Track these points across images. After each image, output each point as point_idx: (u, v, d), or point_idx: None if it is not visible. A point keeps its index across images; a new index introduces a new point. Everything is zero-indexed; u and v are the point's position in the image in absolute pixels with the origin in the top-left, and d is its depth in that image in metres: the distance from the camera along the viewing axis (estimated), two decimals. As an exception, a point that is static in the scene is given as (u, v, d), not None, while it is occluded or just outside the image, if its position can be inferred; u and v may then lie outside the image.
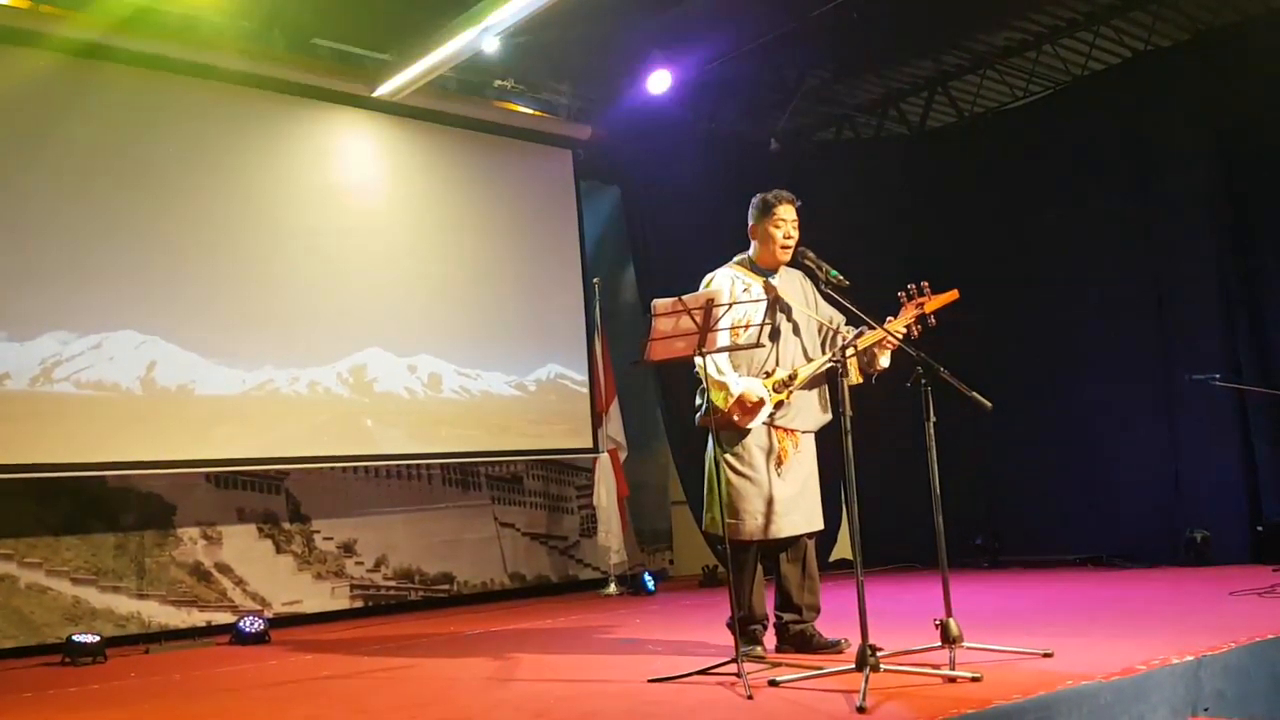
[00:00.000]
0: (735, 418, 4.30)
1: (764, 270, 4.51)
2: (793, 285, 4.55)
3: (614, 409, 8.36)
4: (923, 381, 3.88)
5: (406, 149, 7.81)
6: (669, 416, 8.76)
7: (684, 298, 3.93)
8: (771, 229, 4.43)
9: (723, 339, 4.14)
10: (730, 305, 4.17)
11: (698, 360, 4.11)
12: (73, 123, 6.36)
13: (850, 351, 4.14)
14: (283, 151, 7.22)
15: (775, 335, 4.38)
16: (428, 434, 7.58)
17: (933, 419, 3.91)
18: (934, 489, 3.96)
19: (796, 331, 4.46)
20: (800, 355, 4.45)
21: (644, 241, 8.91)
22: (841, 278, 4.20)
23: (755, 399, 4.29)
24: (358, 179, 7.54)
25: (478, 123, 8.12)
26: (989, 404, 3.83)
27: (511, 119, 8.29)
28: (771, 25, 7.51)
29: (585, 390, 8.42)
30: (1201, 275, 7.44)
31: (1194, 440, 7.39)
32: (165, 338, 6.56)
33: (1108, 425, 7.84)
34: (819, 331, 4.53)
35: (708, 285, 4.43)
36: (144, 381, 6.46)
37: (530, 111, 8.40)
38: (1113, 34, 8.05)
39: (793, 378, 4.35)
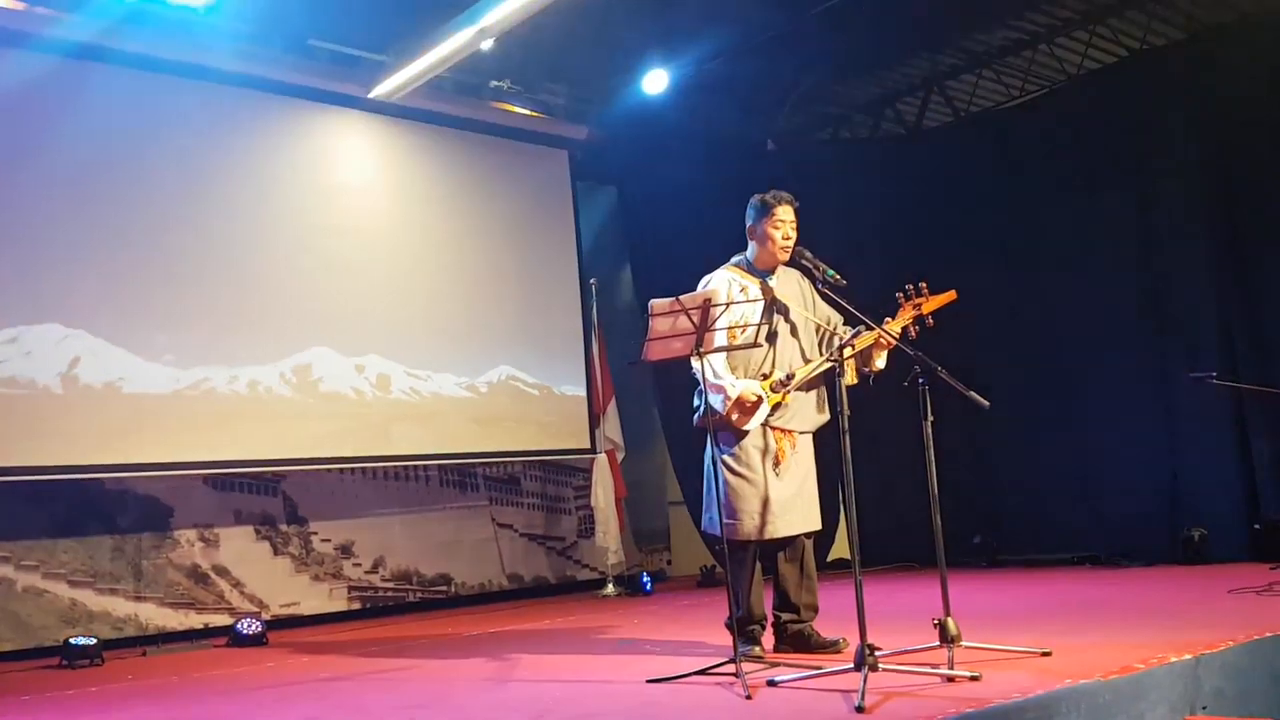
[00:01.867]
0: (733, 419, 4.30)
1: (761, 271, 4.51)
2: (790, 286, 4.55)
3: (611, 409, 8.36)
4: (920, 381, 3.88)
5: (402, 150, 7.81)
6: (666, 417, 8.77)
7: (681, 298, 3.93)
8: (770, 230, 4.43)
9: (720, 339, 4.14)
10: (727, 305, 4.17)
11: (695, 361, 4.11)
12: (66, 123, 6.34)
13: (848, 352, 4.13)
14: (278, 152, 7.21)
15: (772, 336, 4.38)
16: (423, 436, 7.57)
17: (930, 418, 3.91)
18: (932, 488, 3.95)
19: (794, 332, 4.46)
20: (798, 356, 4.45)
21: (641, 242, 8.91)
22: (839, 277, 4.20)
23: (753, 400, 4.29)
24: (354, 180, 7.53)
25: (474, 123, 8.12)
26: (986, 403, 3.83)
27: (508, 120, 8.28)
28: (768, 25, 7.52)
29: (582, 390, 8.42)
30: (1198, 273, 7.44)
31: (1191, 438, 7.39)
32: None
33: (1105, 424, 7.84)
34: (816, 332, 4.53)
35: (704, 287, 4.42)
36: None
37: (526, 112, 8.39)
38: (1109, 33, 8.06)
39: (790, 378, 4.35)
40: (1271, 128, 7.13)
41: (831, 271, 4.21)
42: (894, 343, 4.13)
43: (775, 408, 4.34)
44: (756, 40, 7.64)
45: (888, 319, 4.21)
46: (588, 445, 8.37)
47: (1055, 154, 8.17)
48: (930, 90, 9.09)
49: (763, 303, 4.36)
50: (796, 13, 7.33)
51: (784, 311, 4.44)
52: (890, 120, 9.48)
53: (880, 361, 4.29)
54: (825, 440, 4.48)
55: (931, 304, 4.22)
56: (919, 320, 4.21)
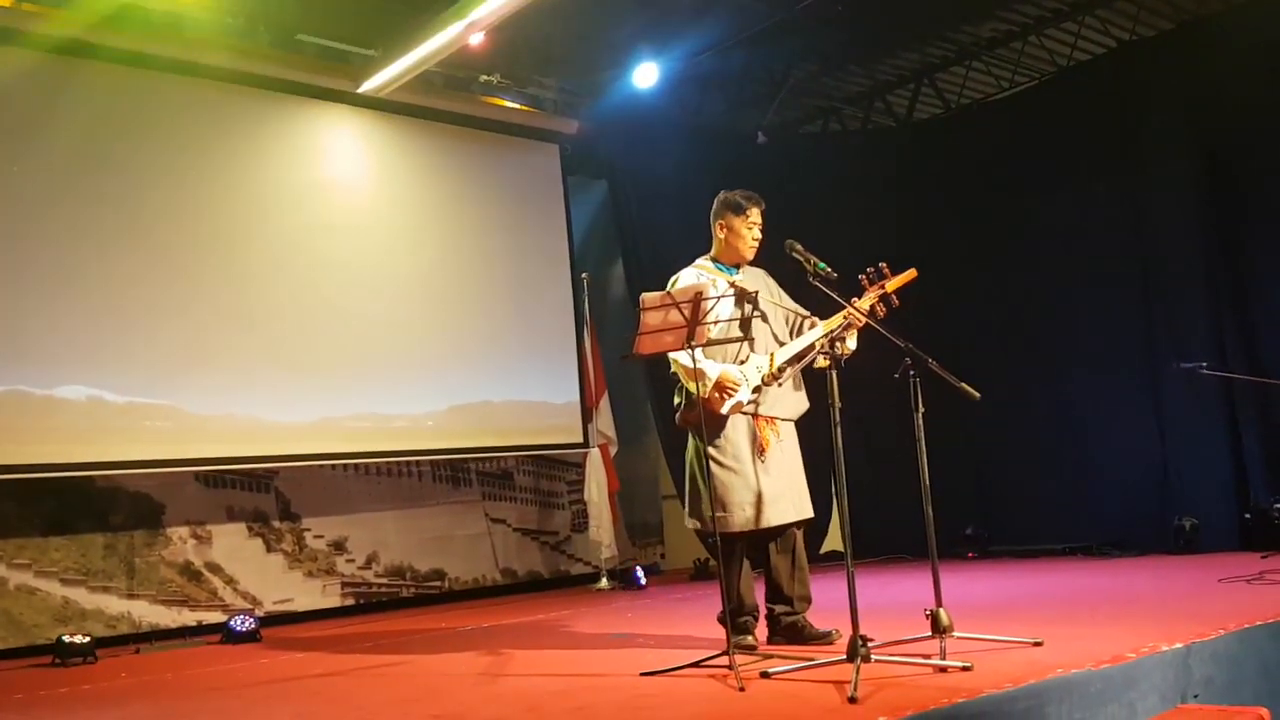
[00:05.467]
0: (716, 398, 4.29)
1: (728, 267, 4.56)
2: (755, 280, 4.61)
3: (604, 403, 8.36)
4: (911, 373, 3.89)
5: (392, 145, 7.79)
6: (659, 410, 8.76)
7: (672, 291, 3.95)
8: (744, 229, 4.51)
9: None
10: (719, 299, 4.18)
11: (671, 356, 4.14)
12: (51, 119, 6.30)
13: (831, 326, 4.22)
14: (267, 148, 7.17)
15: (745, 327, 4.39)
16: (414, 431, 7.56)
17: (921, 410, 3.92)
18: (923, 480, 3.97)
19: (764, 320, 4.51)
20: (771, 341, 4.49)
21: (632, 235, 8.90)
22: (830, 270, 4.21)
23: (734, 381, 4.30)
24: (343, 175, 7.51)
25: (464, 118, 8.10)
26: (977, 394, 3.85)
27: (498, 114, 8.27)
28: (757, 18, 7.52)
29: (575, 385, 8.41)
30: (1188, 263, 7.46)
31: (1182, 428, 7.42)
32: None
33: (1096, 414, 7.87)
34: (786, 321, 4.57)
35: (673, 285, 4.44)
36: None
37: (517, 106, 8.37)
38: (1098, 24, 8.07)
39: (782, 370, 4.35)
40: (1261, 117, 7.15)
41: (823, 264, 4.22)
42: (861, 323, 4.16)
43: (755, 392, 4.35)
44: (746, 33, 7.64)
45: (854, 299, 4.25)
46: (580, 439, 8.37)
47: (1045, 145, 8.18)
48: (920, 82, 9.09)
49: (733, 295, 4.40)
50: (786, 5, 7.33)
51: (754, 302, 4.48)
52: (880, 112, 9.48)
53: (851, 343, 4.32)
54: (817, 432, 4.49)
55: (894, 283, 4.29)
56: (884, 299, 4.26)
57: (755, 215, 4.51)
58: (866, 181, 8.80)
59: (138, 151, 6.61)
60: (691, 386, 4.26)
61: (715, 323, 4.30)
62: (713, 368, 4.33)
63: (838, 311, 4.24)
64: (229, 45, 6.89)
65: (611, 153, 8.82)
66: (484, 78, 8.07)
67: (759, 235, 4.53)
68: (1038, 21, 8.18)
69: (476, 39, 6.75)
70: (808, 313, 4.55)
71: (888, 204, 8.77)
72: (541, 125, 8.51)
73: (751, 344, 4.42)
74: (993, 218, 8.47)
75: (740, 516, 4.32)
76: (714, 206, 4.58)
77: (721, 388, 4.29)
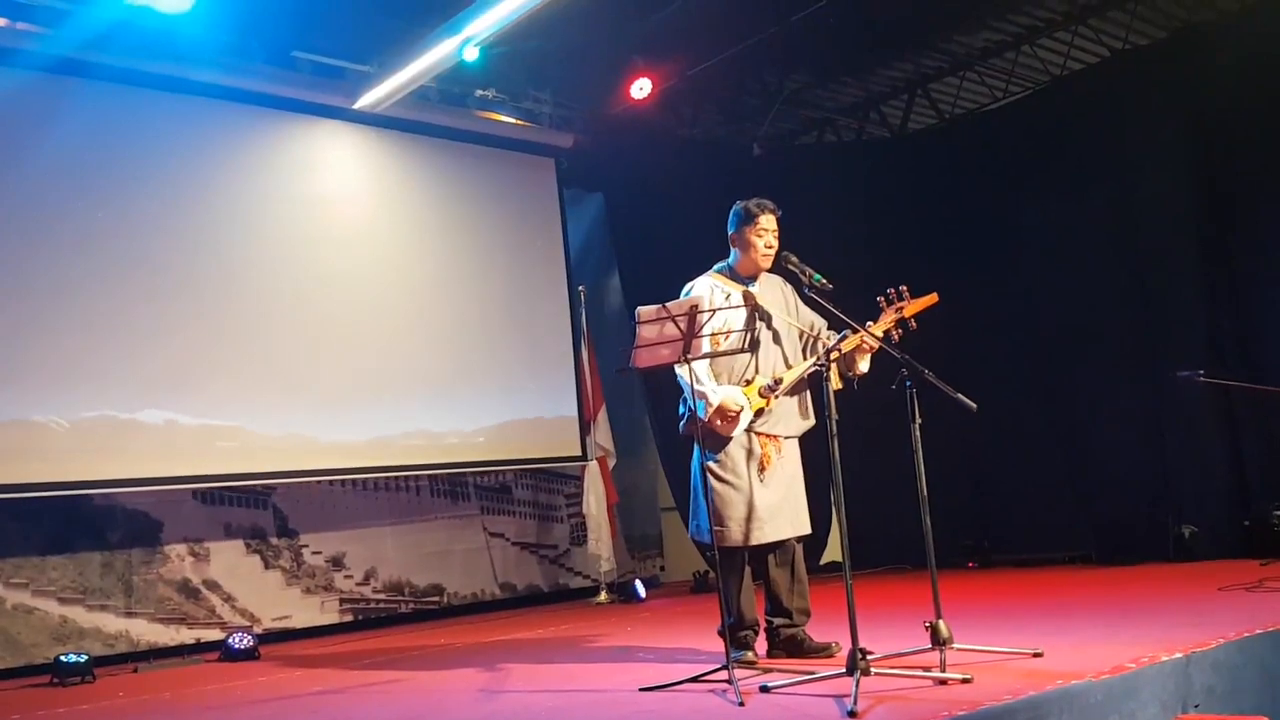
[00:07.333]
0: (717, 424, 4.31)
1: (744, 278, 4.53)
2: (773, 292, 4.57)
3: (602, 416, 8.35)
4: (908, 384, 3.89)
5: (388, 160, 7.80)
6: (657, 423, 8.76)
7: (668, 305, 3.94)
8: (753, 237, 4.46)
9: (705, 346, 4.15)
10: (713, 311, 4.17)
11: (679, 369, 4.13)
12: (46, 138, 6.30)
13: (833, 355, 4.16)
14: (263, 165, 7.18)
15: (755, 343, 4.38)
16: (412, 446, 7.55)
17: (919, 421, 3.91)
18: (921, 491, 3.96)
19: (777, 339, 4.48)
20: (781, 362, 4.46)
21: (628, 248, 8.91)
22: (825, 281, 4.20)
23: (736, 407, 4.30)
24: (340, 192, 7.51)
25: (460, 133, 8.11)
26: (974, 405, 3.84)
27: (494, 128, 8.28)
28: (751, 31, 7.54)
29: (573, 398, 8.40)
30: (1184, 271, 7.47)
31: (1180, 437, 7.41)
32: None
33: (1094, 423, 7.86)
34: (800, 338, 4.55)
35: (687, 294, 4.44)
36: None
37: (512, 121, 8.39)
38: (1090, 33, 8.10)
39: (777, 384, 4.35)
40: (1254, 125, 7.17)
41: (818, 276, 4.22)
42: (877, 347, 4.15)
43: (759, 413, 4.35)
44: (740, 46, 7.66)
45: (870, 323, 4.23)
46: (579, 453, 8.36)
47: (1040, 155, 8.19)
48: (914, 93, 9.12)
49: (745, 308, 4.38)
50: (780, 17, 7.35)
51: (766, 318, 4.46)
52: (875, 123, 9.51)
53: (863, 365, 4.31)
54: (816, 444, 4.48)
55: (913, 307, 4.25)
56: (901, 323, 4.23)
57: (766, 222, 4.45)
58: (861, 192, 8.81)
59: (130, 169, 6.61)
60: (697, 404, 4.25)
61: (727, 334, 4.29)
62: (715, 392, 4.32)
63: (848, 320, 4.21)
64: (223, 63, 6.88)
65: (607, 166, 8.84)
66: (479, 92, 8.09)
67: (772, 243, 4.46)
68: (1031, 31, 8.21)
69: (471, 54, 6.77)
70: (825, 325, 4.52)
71: (882, 214, 8.78)
72: (537, 139, 8.52)
73: (756, 361, 4.41)
74: (988, 227, 8.47)
75: (737, 531, 4.31)
76: (729, 217, 4.56)
77: (723, 414, 4.29)
